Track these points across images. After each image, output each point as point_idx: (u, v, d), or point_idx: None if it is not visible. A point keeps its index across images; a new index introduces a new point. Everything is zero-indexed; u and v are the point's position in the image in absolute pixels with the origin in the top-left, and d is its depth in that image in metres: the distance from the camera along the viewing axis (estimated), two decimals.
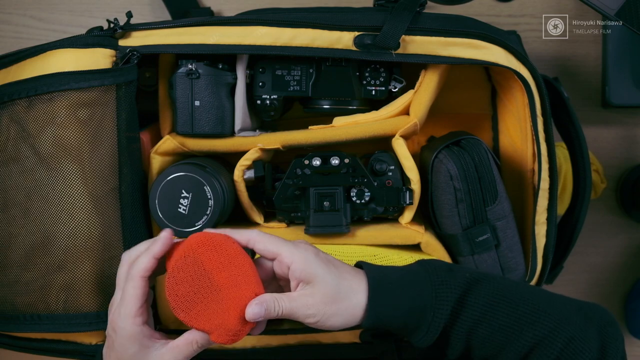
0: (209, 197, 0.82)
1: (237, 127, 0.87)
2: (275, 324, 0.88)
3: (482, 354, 0.71)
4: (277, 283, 0.74)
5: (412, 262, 0.84)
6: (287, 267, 0.70)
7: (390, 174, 0.86)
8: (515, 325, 0.69)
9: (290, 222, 0.89)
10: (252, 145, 0.87)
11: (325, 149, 0.86)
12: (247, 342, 0.85)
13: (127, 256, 0.72)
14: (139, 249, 0.72)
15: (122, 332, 0.69)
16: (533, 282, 0.86)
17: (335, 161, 0.84)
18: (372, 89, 0.88)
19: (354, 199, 0.86)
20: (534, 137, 0.85)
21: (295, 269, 0.69)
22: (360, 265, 0.73)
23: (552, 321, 0.69)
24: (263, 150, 0.87)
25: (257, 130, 0.90)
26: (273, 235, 0.72)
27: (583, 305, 0.73)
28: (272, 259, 0.71)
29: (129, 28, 0.83)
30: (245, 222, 0.90)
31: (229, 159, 0.92)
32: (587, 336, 0.69)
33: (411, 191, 0.85)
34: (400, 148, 0.85)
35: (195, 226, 0.83)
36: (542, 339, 0.69)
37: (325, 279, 0.69)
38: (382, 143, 0.89)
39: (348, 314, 0.70)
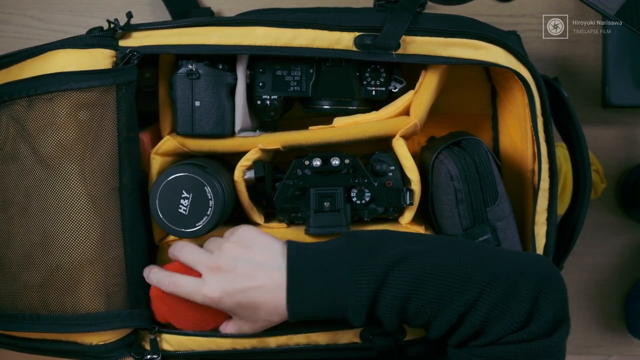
0: (210, 197, 0.82)
1: (237, 127, 0.87)
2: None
3: (417, 323, 0.74)
4: None
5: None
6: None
7: (391, 174, 0.86)
8: (444, 296, 0.72)
9: (291, 223, 0.89)
10: (252, 145, 0.87)
11: (325, 150, 0.86)
12: (247, 343, 0.85)
13: None
14: None
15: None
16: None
17: (335, 162, 0.84)
18: (372, 90, 0.88)
19: (354, 199, 0.86)
20: (534, 137, 0.85)
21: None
22: (287, 248, 0.78)
23: (479, 286, 0.71)
24: (263, 150, 0.87)
25: (257, 131, 0.90)
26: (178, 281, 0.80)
27: (521, 260, 0.74)
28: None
29: (129, 28, 0.83)
30: (246, 222, 0.90)
31: (229, 160, 0.92)
32: (517, 293, 0.70)
33: (411, 192, 0.85)
34: (401, 148, 0.85)
35: (196, 226, 0.83)
36: (470, 306, 0.71)
37: (239, 311, 0.79)
38: (383, 143, 0.89)
39: (272, 319, 0.78)
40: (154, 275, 0.83)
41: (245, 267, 0.77)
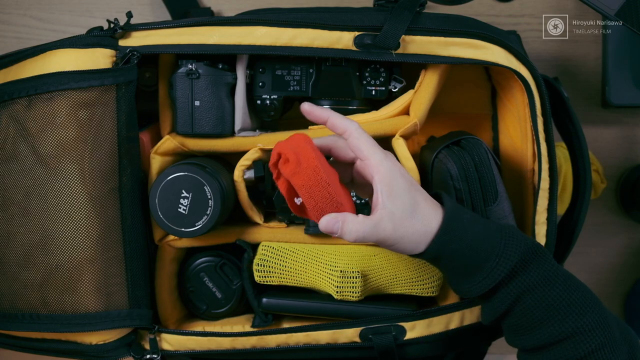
0: (209, 197, 0.82)
1: (237, 127, 0.87)
2: (275, 324, 0.88)
3: (516, 323, 0.72)
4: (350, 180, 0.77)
5: (412, 261, 0.85)
6: (371, 175, 0.71)
7: None
8: (564, 308, 0.70)
9: (290, 222, 0.89)
10: (252, 145, 0.87)
11: None
12: (247, 342, 0.85)
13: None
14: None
15: None
16: None
17: None
18: (372, 89, 0.88)
19: (354, 199, 0.85)
20: (534, 137, 0.85)
21: (379, 181, 0.71)
22: (439, 194, 0.75)
23: (595, 320, 0.70)
24: (263, 150, 0.87)
25: (257, 130, 0.90)
26: (367, 136, 0.73)
27: (620, 321, 0.73)
28: (357, 159, 0.73)
29: (129, 28, 0.83)
30: (245, 222, 0.90)
31: (229, 159, 0.92)
32: (619, 348, 0.70)
33: None
34: (400, 148, 0.85)
35: (195, 226, 0.83)
36: (580, 333, 0.69)
37: (404, 201, 0.71)
38: (382, 143, 0.88)
39: (416, 239, 0.71)
40: (364, 139, 0.73)
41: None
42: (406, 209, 0.71)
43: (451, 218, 0.72)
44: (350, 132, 0.73)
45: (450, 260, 0.73)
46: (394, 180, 0.71)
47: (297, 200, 0.75)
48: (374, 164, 0.71)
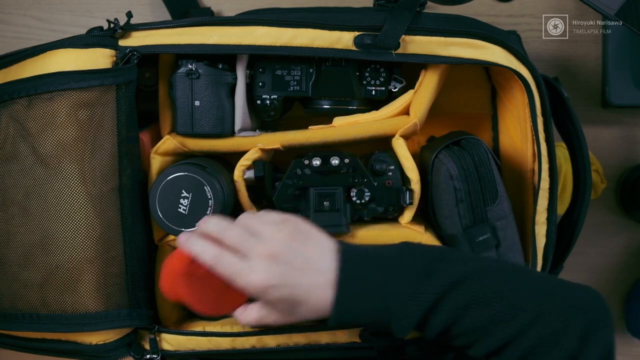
0: (209, 197, 0.82)
1: (237, 127, 0.87)
2: None
3: (457, 344, 0.73)
4: None
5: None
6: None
7: (390, 174, 0.86)
8: (488, 325, 0.70)
9: None
10: (252, 145, 0.87)
11: (325, 149, 0.86)
12: (247, 342, 0.85)
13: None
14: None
15: None
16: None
17: (335, 161, 0.84)
18: (372, 89, 0.88)
19: (354, 199, 0.86)
20: (534, 137, 0.85)
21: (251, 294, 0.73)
22: (339, 249, 0.73)
23: (527, 319, 0.69)
24: (263, 150, 0.87)
25: (257, 130, 0.90)
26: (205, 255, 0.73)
27: (571, 293, 0.72)
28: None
29: (129, 28, 0.83)
30: None
31: (229, 159, 0.92)
32: (566, 329, 0.69)
33: (411, 191, 0.85)
34: (400, 148, 0.85)
35: (195, 226, 0.83)
36: (513, 338, 0.69)
37: (277, 305, 0.72)
38: (382, 143, 0.89)
39: (309, 317, 0.72)
40: (196, 243, 0.74)
41: (301, 261, 0.71)
42: (283, 310, 0.73)
43: (342, 295, 0.70)
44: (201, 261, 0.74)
45: (353, 327, 0.76)
46: (264, 296, 0.72)
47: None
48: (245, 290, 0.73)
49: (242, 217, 0.76)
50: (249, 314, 0.75)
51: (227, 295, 0.75)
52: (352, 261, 0.72)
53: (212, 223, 0.75)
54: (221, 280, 0.73)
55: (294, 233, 0.73)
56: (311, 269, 0.71)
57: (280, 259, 0.71)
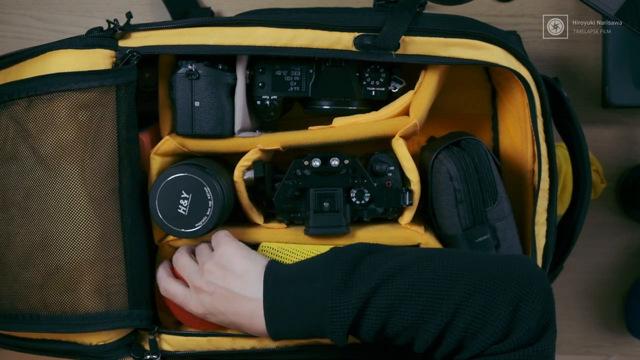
0: (209, 197, 0.82)
1: (237, 127, 0.87)
2: None
3: (399, 343, 0.74)
4: None
5: None
6: None
7: (390, 174, 0.86)
8: (418, 319, 0.71)
9: (290, 223, 0.89)
10: (252, 145, 0.87)
11: (325, 150, 0.86)
12: (246, 343, 0.85)
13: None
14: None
15: None
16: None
17: (335, 162, 0.84)
18: (372, 90, 0.88)
19: (354, 199, 0.86)
20: (534, 138, 0.85)
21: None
22: (266, 271, 0.78)
23: (454, 304, 0.70)
24: (263, 150, 0.87)
25: (257, 131, 0.90)
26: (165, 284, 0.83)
27: (497, 271, 0.71)
28: None
29: (129, 29, 0.83)
30: (246, 222, 0.90)
31: (229, 160, 0.92)
32: (494, 305, 0.69)
33: (411, 192, 0.85)
34: (400, 149, 0.85)
35: (195, 227, 0.83)
36: (446, 325, 0.70)
37: (225, 325, 0.81)
38: (382, 144, 0.89)
39: (259, 334, 0.78)
40: (158, 273, 0.86)
41: (223, 292, 0.78)
42: (234, 329, 0.82)
43: (270, 319, 0.76)
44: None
45: (300, 339, 0.80)
46: (207, 319, 0.81)
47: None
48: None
49: (199, 247, 0.85)
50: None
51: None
52: (277, 283, 0.76)
53: (178, 254, 0.85)
54: None
55: (217, 262, 0.80)
56: (235, 300, 0.77)
57: (204, 290, 0.79)
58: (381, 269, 0.73)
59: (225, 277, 0.79)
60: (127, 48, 0.82)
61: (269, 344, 0.85)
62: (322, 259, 0.77)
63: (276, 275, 0.77)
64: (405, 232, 0.86)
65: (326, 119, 0.88)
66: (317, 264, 0.76)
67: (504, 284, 0.70)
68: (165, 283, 0.84)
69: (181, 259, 0.84)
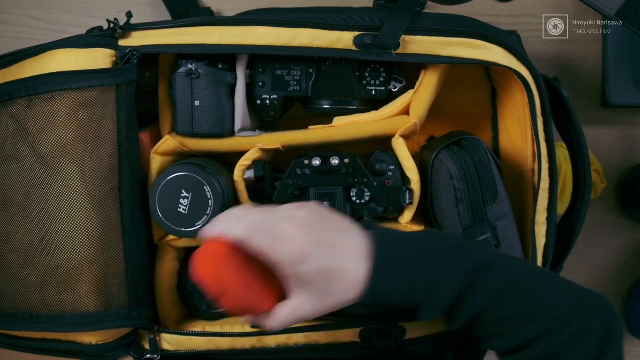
0: (209, 197, 0.82)
1: (237, 127, 0.87)
2: None
3: (481, 334, 0.72)
4: None
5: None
6: (275, 264, 0.67)
7: (390, 174, 0.86)
8: (518, 317, 0.69)
9: None
10: (252, 145, 0.87)
11: (325, 149, 0.86)
12: (246, 343, 0.85)
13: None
14: None
15: None
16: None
17: (335, 161, 0.84)
18: (372, 89, 0.88)
19: (354, 199, 0.86)
20: (534, 137, 0.85)
21: (283, 273, 0.67)
22: (367, 226, 0.70)
23: (556, 317, 0.69)
24: (263, 150, 0.87)
25: (257, 130, 0.90)
26: (259, 237, 0.66)
27: (589, 297, 0.72)
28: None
29: (129, 28, 0.83)
30: None
31: (229, 159, 0.92)
32: (589, 331, 0.69)
33: (411, 191, 0.85)
34: (400, 148, 0.85)
35: (195, 226, 0.83)
36: (543, 334, 0.69)
37: (315, 280, 0.67)
38: (382, 143, 0.89)
39: (345, 302, 0.68)
40: (224, 222, 0.68)
41: (331, 234, 0.68)
42: (318, 293, 0.67)
43: (376, 268, 0.67)
44: (237, 239, 0.67)
45: (388, 303, 0.69)
46: (297, 274, 0.66)
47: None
48: (274, 258, 0.66)
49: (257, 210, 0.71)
50: (281, 310, 0.69)
51: (264, 286, 0.70)
52: (383, 237, 0.69)
53: (233, 211, 0.70)
54: (257, 267, 0.69)
55: (317, 212, 0.70)
56: (342, 242, 0.68)
57: (311, 230, 0.67)
58: (487, 253, 0.71)
59: (331, 221, 0.69)
60: (127, 47, 0.82)
61: (270, 342, 0.85)
62: (423, 232, 0.73)
63: (381, 229, 0.70)
64: None
65: (326, 118, 0.88)
66: (422, 233, 0.72)
67: (597, 318, 0.70)
68: (247, 226, 0.67)
69: (255, 213, 0.69)
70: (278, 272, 0.68)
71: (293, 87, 0.88)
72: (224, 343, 0.86)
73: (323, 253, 0.66)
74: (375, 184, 0.86)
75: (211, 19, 0.84)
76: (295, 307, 0.68)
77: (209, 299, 0.69)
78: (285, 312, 0.68)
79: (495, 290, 0.68)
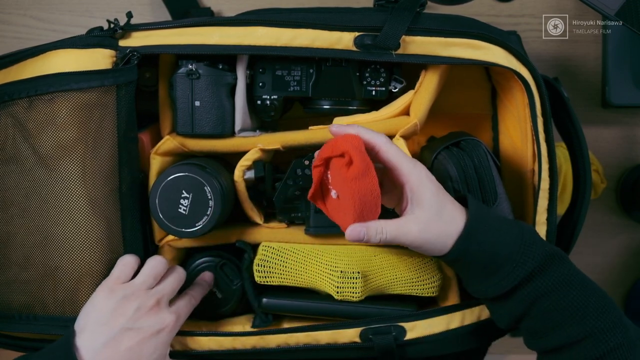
0: (209, 197, 0.82)
1: (237, 127, 0.87)
2: (275, 324, 0.88)
3: (533, 325, 0.75)
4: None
5: (413, 262, 0.85)
6: (402, 183, 0.75)
7: None
8: (580, 310, 0.72)
9: (291, 223, 0.89)
10: (252, 145, 0.87)
11: None
12: (247, 342, 0.85)
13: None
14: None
15: None
16: None
17: None
18: (373, 89, 0.88)
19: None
20: (534, 137, 0.85)
21: (409, 189, 0.74)
22: (464, 197, 0.77)
23: (611, 322, 0.72)
24: (263, 150, 0.87)
25: (258, 131, 0.90)
26: (396, 147, 0.76)
27: (632, 323, 0.75)
28: (389, 169, 0.76)
29: (129, 28, 0.83)
30: (246, 222, 0.90)
31: (229, 159, 0.92)
32: (634, 349, 0.71)
33: None
34: (400, 148, 0.85)
35: (196, 226, 0.83)
36: (596, 334, 0.71)
37: (431, 205, 0.74)
38: None
39: (441, 243, 0.75)
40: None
41: None
42: (432, 213, 0.74)
43: (473, 222, 0.75)
44: (379, 145, 0.75)
45: (470, 263, 0.76)
46: (422, 186, 0.74)
47: (334, 194, 0.76)
48: (404, 172, 0.74)
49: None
50: (387, 223, 0.74)
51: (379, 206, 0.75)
52: (479, 205, 0.77)
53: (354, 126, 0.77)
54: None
55: None
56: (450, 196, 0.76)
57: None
58: (559, 250, 0.76)
59: None
60: (127, 48, 0.82)
61: (270, 342, 0.85)
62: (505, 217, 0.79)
63: (475, 200, 0.77)
64: None
65: (326, 118, 0.88)
66: (509, 218, 0.79)
67: (624, 329, 0.73)
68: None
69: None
70: (399, 186, 0.75)
71: (293, 88, 0.88)
72: (224, 343, 0.86)
73: (441, 187, 0.76)
74: None
75: (211, 19, 0.84)
76: (402, 224, 0.75)
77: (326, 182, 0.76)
78: (392, 225, 0.74)
79: (563, 278, 0.73)
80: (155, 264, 0.81)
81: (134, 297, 0.77)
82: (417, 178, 0.74)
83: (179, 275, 0.82)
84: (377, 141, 0.75)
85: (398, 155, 0.75)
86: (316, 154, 0.76)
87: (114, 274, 0.80)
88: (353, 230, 0.73)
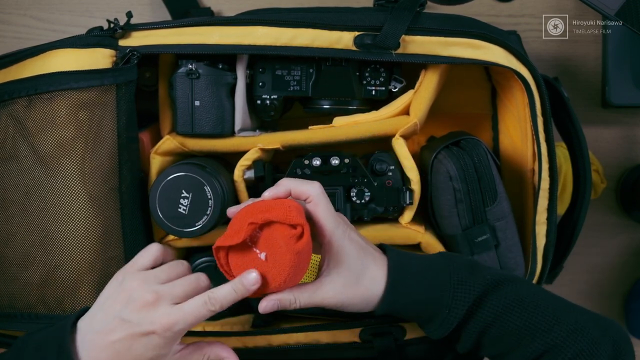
0: (209, 197, 0.82)
1: (237, 127, 0.87)
2: (275, 324, 0.88)
3: (490, 352, 0.74)
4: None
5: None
6: (322, 240, 0.72)
7: (390, 174, 0.86)
8: (527, 330, 0.71)
9: None
10: (252, 145, 0.87)
11: (325, 149, 0.87)
12: (247, 342, 0.85)
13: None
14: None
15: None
16: (533, 282, 0.86)
17: (335, 161, 0.84)
18: (372, 89, 0.88)
19: (354, 199, 0.86)
20: (534, 137, 0.85)
21: (328, 249, 0.72)
22: (383, 247, 0.76)
23: (565, 331, 0.71)
24: (263, 150, 0.87)
25: (257, 130, 0.90)
26: (327, 202, 0.72)
27: (600, 318, 0.74)
28: (314, 221, 0.72)
29: (129, 28, 0.83)
30: None
31: (229, 159, 0.92)
32: (599, 349, 0.71)
33: (411, 191, 0.85)
34: (401, 148, 0.85)
35: (195, 226, 0.83)
36: (552, 347, 0.71)
37: (350, 270, 0.72)
38: (382, 143, 0.89)
39: (365, 303, 0.73)
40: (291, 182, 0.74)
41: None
42: (351, 277, 0.72)
43: (395, 276, 0.73)
44: (312, 197, 0.72)
45: (403, 314, 0.75)
46: (342, 250, 0.72)
47: (262, 256, 0.71)
48: (326, 231, 0.72)
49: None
50: (305, 288, 0.72)
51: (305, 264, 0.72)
52: (399, 254, 0.75)
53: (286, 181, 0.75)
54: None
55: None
56: (373, 249, 0.75)
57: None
58: (497, 272, 0.75)
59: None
60: (127, 47, 0.82)
61: (270, 342, 0.85)
62: (437, 254, 0.77)
63: (394, 249, 0.76)
64: (406, 232, 0.86)
65: (326, 118, 0.88)
66: (434, 256, 0.77)
67: (607, 335, 0.72)
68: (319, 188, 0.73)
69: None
70: (319, 242, 0.73)
71: (293, 87, 0.88)
72: (225, 342, 0.85)
73: (365, 244, 0.74)
74: (375, 184, 0.86)
75: (211, 19, 0.84)
76: (316, 287, 0.72)
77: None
78: (305, 294, 0.72)
79: (503, 305, 0.72)
80: (176, 264, 0.75)
81: (134, 286, 0.70)
82: (339, 239, 0.72)
83: (198, 282, 0.72)
84: (311, 192, 0.72)
85: (325, 211, 0.72)
86: (253, 204, 0.73)
87: (132, 260, 0.75)
88: (267, 306, 0.71)
